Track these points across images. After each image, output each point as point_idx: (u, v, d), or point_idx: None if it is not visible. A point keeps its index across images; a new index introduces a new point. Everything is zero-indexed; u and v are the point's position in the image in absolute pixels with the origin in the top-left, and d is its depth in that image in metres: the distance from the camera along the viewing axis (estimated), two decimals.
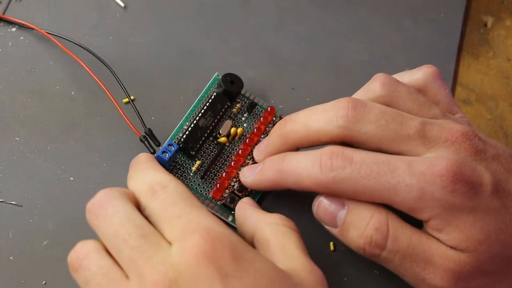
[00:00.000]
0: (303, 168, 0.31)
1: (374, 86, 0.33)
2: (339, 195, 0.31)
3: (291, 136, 0.33)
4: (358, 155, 0.30)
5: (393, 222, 0.30)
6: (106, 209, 0.28)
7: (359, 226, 0.30)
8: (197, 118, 0.37)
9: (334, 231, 0.32)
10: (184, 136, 0.36)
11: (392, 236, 0.30)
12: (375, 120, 0.31)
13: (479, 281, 0.30)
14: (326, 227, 0.32)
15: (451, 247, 0.30)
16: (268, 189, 0.35)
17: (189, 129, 0.37)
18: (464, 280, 0.30)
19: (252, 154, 0.37)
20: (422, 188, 0.29)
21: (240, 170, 0.37)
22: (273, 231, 0.30)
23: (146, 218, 0.29)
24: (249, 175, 0.35)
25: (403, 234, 0.30)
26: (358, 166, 0.30)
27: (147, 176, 0.31)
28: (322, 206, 0.32)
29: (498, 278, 0.31)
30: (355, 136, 0.31)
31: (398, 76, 0.35)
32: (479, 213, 0.29)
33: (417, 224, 0.31)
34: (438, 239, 0.30)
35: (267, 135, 0.37)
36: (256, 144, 0.37)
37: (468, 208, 0.29)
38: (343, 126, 0.31)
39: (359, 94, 0.33)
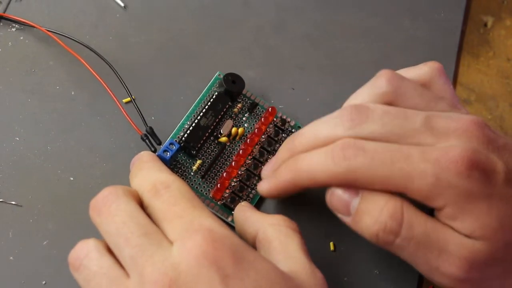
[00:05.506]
0: (317, 163, 0.31)
1: (381, 82, 0.33)
2: (353, 186, 0.31)
3: (300, 148, 0.33)
4: (369, 144, 0.30)
5: (408, 209, 0.30)
6: (109, 207, 0.28)
7: (373, 213, 0.30)
8: (198, 117, 0.37)
9: (346, 219, 0.31)
10: (185, 135, 0.36)
11: (407, 222, 0.29)
12: (378, 119, 0.31)
13: (493, 270, 0.30)
14: (339, 215, 0.32)
15: (465, 235, 0.29)
16: (285, 193, 0.34)
17: (190, 128, 0.37)
18: (478, 269, 0.29)
19: (252, 154, 0.37)
20: (437, 174, 0.29)
21: (240, 170, 0.37)
22: (276, 232, 0.30)
23: (149, 216, 0.29)
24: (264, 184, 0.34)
25: (418, 221, 0.30)
26: (371, 154, 0.30)
27: (150, 175, 0.31)
28: (336, 194, 0.31)
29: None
30: (362, 137, 0.31)
31: (403, 71, 0.35)
32: (493, 200, 0.29)
33: (429, 214, 0.30)
34: (452, 228, 0.30)
35: (268, 135, 0.38)
36: (256, 144, 0.37)
37: (483, 195, 0.29)
38: (349, 128, 0.31)
39: (364, 90, 0.33)
